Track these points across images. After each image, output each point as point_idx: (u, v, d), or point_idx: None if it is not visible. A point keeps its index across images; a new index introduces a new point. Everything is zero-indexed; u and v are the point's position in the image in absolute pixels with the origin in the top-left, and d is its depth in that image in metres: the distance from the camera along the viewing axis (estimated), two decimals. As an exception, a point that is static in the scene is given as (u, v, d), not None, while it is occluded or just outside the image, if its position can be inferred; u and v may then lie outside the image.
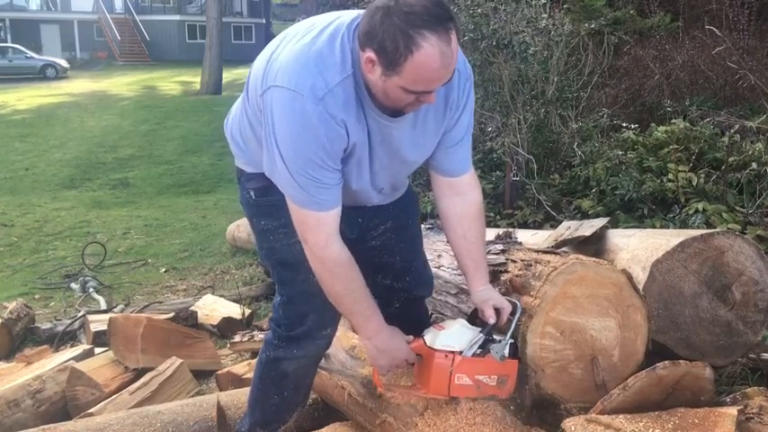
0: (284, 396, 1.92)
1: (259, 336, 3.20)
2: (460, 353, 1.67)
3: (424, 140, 1.67)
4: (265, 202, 1.72)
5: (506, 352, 1.69)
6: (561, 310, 1.84)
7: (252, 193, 1.75)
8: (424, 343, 1.70)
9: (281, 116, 1.48)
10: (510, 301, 1.75)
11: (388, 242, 1.90)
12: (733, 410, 1.50)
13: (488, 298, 1.74)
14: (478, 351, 1.68)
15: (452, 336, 1.69)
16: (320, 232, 1.57)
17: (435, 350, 1.67)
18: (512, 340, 1.70)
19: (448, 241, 1.85)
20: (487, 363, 1.68)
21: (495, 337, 1.70)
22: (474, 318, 1.78)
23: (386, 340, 1.70)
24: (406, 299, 2.01)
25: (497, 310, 1.73)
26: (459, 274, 2.26)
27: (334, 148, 1.51)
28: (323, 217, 1.56)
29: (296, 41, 1.52)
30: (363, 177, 1.65)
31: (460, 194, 1.77)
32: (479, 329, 1.71)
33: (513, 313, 1.73)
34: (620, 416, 1.54)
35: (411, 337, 1.75)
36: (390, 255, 1.92)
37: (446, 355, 1.66)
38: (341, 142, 1.52)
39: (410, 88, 1.43)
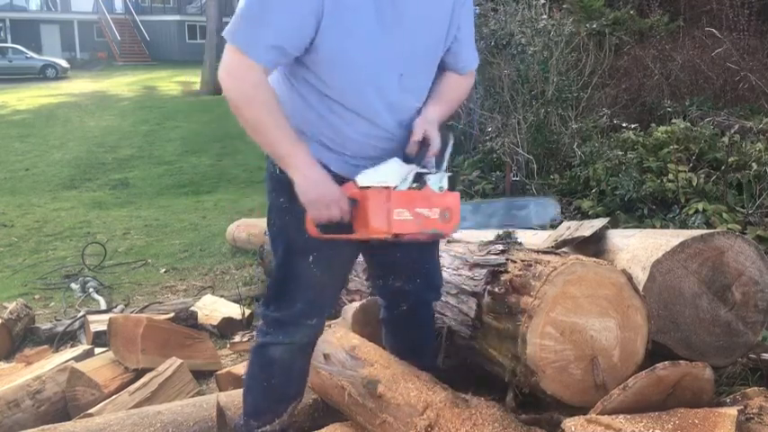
0: (272, 383, 1.89)
1: (259, 336, 3.20)
2: (395, 188, 1.60)
3: (436, 15, 1.67)
4: (288, 179, 1.67)
5: (444, 184, 1.64)
6: (561, 311, 1.84)
7: (277, 168, 1.71)
8: (356, 185, 1.62)
9: None
10: (443, 133, 1.72)
11: (401, 242, 1.88)
12: (733, 411, 1.50)
13: (424, 121, 1.71)
14: (414, 185, 1.62)
15: (385, 172, 1.62)
16: (247, 65, 1.54)
17: (369, 188, 1.59)
18: (449, 173, 1.67)
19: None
20: (426, 194, 1.63)
21: (430, 170, 1.66)
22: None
23: (317, 174, 1.62)
24: (414, 302, 2.00)
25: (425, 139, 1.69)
26: (460, 275, 2.26)
27: None
28: (254, 65, 1.53)
29: None
30: (370, 48, 1.59)
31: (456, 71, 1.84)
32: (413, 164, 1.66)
33: (444, 146, 1.71)
34: (620, 416, 1.54)
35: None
36: (404, 253, 1.89)
37: (380, 191, 1.59)
38: None
39: None
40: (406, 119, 1.73)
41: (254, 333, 3.27)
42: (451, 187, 1.67)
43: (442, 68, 1.82)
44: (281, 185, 1.72)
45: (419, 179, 1.63)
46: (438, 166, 1.69)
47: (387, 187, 1.59)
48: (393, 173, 1.62)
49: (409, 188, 1.62)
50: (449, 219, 1.66)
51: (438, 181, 1.64)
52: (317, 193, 1.61)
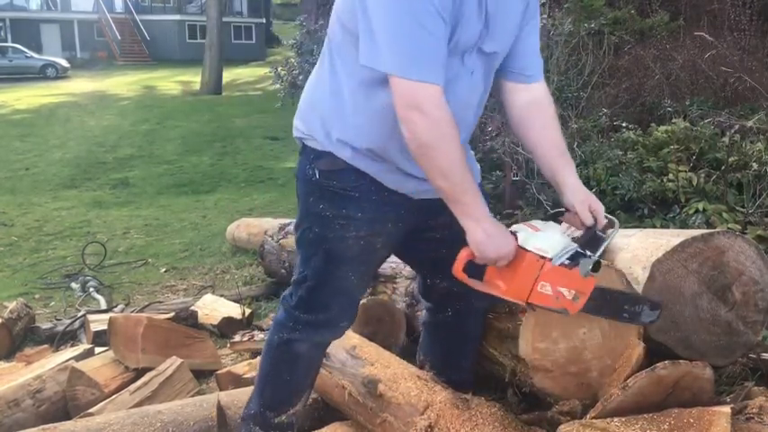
0: (294, 376, 1.90)
1: (259, 336, 3.20)
2: (551, 260, 1.53)
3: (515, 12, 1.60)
4: (331, 187, 1.63)
5: (590, 268, 1.55)
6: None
7: (316, 172, 1.65)
8: (516, 240, 1.55)
9: None
10: (607, 217, 1.63)
11: (449, 236, 1.69)
12: (726, 408, 1.50)
13: (586, 198, 1.61)
14: (567, 262, 1.54)
15: (547, 239, 1.55)
16: (434, 95, 1.42)
17: (527, 251, 1.53)
18: (598, 258, 1.57)
19: (522, 144, 1.72)
20: (572, 276, 1.55)
21: (586, 251, 1.57)
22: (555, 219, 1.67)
23: (494, 225, 1.53)
24: (462, 308, 1.91)
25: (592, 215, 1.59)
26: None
27: None
28: (435, 88, 1.42)
29: None
30: (469, 32, 1.50)
31: (536, 99, 1.69)
32: (571, 238, 1.58)
33: (608, 228, 1.62)
34: (616, 419, 1.53)
35: None
36: (449, 248, 1.69)
37: (537, 259, 1.53)
38: None
39: None
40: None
41: (254, 332, 3.29)
42: (595, 271, 1.58)
43: (506, 91, 1.71)
44: (321, 192, 1.66)
45: (574, 258, 1.56)
46: (595, 248, 1.58)
47: (543, 257, 1.53)
48: (554, 244, 1.55)
49: (562, 264, 1.55)
50: (578, 300, 1.60)
51: (588, 265, 1.55)
52: (496, 252, 1.53)
